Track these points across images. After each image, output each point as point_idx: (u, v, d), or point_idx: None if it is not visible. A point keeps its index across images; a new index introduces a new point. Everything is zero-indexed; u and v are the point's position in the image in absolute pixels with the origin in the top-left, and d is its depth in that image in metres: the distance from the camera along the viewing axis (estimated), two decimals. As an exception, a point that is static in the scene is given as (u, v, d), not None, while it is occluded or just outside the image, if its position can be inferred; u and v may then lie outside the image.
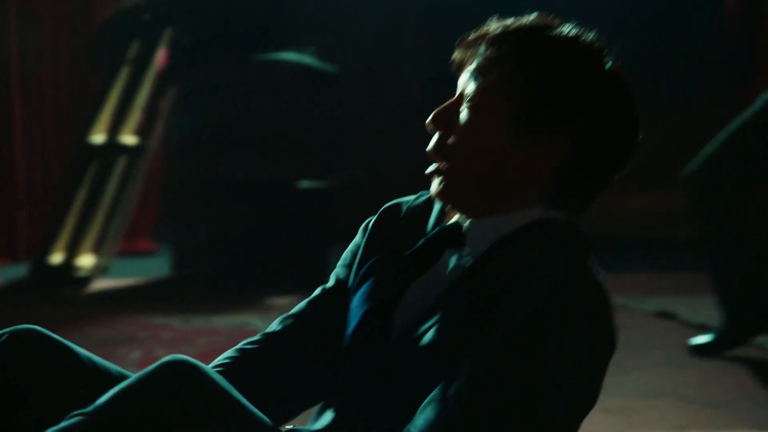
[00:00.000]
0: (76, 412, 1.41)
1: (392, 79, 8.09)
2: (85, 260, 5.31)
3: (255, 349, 1.67)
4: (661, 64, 7.26)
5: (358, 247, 1.70)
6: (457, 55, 1.59)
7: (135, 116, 5.45)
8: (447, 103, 1.58)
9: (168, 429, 1.39)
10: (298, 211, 5.24)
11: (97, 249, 5.37)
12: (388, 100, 8.06)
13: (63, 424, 1.40)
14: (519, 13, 1.62)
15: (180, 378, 1.42)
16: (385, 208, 1.71)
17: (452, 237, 1.56)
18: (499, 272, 1.49)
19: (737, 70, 3.84)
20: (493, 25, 1.57)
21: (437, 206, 1.64)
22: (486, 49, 1.55)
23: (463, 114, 1.55)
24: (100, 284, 5.29)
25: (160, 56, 5.50)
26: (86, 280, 5.26)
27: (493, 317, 1.45)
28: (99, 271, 5.36)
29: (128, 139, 5.42)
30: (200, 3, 5.38)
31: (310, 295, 1.78)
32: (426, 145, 1.61)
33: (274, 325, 1.70)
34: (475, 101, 1.54)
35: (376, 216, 1.71)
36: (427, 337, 1.50)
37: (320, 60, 5.44)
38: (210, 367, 1.49)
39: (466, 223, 1.56)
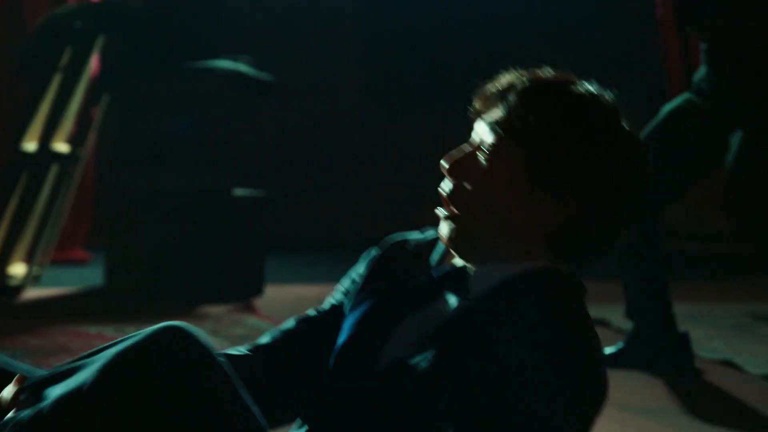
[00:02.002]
0: (72, 380, 1.43)
1: (330, 90, 8.09)
2: (17, 269, 5.24)
3: (240, 357, 1.70)
4: (587, 78, 7.34)
5: (358, 275, 1.73)
6: (475, 103, 1.63)
7: (68, 124, 5.39)
8: (464, 150, 1.61)
9: (159, 394, 1.39)
10: (233, 219, 5.21)
11: (28, 258, 5.30)
12: (325, 110, 8.06)
13: (64, 389, 1.42)
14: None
15: (176, 346, 1.43)
16: (390, 243, 1.74)
17: (455, 280, 1.59)
18: (496, 317, 1.52)
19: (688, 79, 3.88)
20: (513, 77, 1.61)
21: (442, 245, 1.67)
22: (506, 103, 1.58)
23: (481, 164, 1.58)
24: (32, 293, 5.23)
25: (93, 63, 5.45)
26: (18, 289, 5.19)
27: (486, 363, 1.47)
28: (31, 280, 5.30)
29: (61, 146, 5.37)
30: (134, 10, 5.34)
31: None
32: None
33: (264, 338, 1.73)
34: (494, 153, 1.57)
35: (380, 248, 1.74)
36: (416, 369, 1.52)
37: (257, 69, 5.43)
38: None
39: (470, 267, 1.59)
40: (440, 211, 1.61)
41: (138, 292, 5.12)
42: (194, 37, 5.34)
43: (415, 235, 1.75)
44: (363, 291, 1.68)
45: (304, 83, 7.96)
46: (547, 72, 1.62)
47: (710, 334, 4.33)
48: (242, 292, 5.00)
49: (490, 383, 1.45)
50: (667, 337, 3.76)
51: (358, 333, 1.62)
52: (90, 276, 5.72)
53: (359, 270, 1.74)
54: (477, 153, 1.60)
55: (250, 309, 4.66)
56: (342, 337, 1.64)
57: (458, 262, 1.62)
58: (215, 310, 4.69)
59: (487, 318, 1.52)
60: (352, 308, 1.67)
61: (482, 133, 1.61)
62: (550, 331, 1.48)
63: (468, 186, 1.58)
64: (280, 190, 7.10)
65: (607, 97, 1.60)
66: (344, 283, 1.75)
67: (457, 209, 1.59)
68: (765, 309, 5.03)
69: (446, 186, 1.61)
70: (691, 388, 3.49)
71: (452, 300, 1.59)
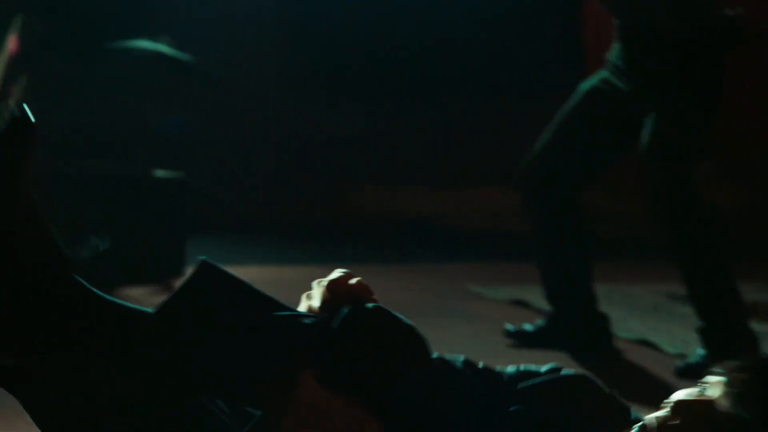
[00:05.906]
0: None
1: (252, 73, 8.05)
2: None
3: None
4: (510, 61, 7.37)
5: (539, 381, 1.94)
6: (707, 376, 1.76)
7: (-16, 104, 5.31)
8: (703, 393, 1.74)
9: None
10: (154, 201, 5.17)
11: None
12: (248, 94, 8.03)
13: None
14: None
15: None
16: (577, 376, 1.94)
17: None
18: None
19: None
20: (740, 374, 1.73)
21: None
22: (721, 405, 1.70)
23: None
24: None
25: (11, 42, 5.37)
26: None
27: None
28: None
29: (-23, 127, 5.28)
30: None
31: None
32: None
33: None
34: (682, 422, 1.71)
35: (567, 373, 1.93)
36: None
37: (177, 49, 5.38)
38: None
39: None
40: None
41: (57, 274, 5.06)
42: (114, 16, 5.29)
43: (605, 392, 1.95)
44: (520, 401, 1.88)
45: (226, 66, 7.90)
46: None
47: (627, 314, 4.39)
48: (162, 273, 4.97)
49: None
50: (587, 318, 3.80)
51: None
52: (8, 259, 5.64)
53: (537, 377, 1.93)
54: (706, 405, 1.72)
55: (170, 290, 4.63)
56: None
57: None
58: (134, 292, 4.66)
59: None
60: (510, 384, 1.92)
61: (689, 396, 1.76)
62: None
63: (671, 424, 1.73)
64: (203, 173, 7.06)
65: None
66: (509, 369, 1.99)
67: None
68: (681, 289, 5.11)
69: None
70: (610, 366, 3.54)
71: None
